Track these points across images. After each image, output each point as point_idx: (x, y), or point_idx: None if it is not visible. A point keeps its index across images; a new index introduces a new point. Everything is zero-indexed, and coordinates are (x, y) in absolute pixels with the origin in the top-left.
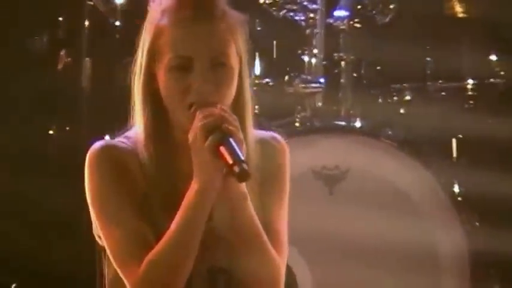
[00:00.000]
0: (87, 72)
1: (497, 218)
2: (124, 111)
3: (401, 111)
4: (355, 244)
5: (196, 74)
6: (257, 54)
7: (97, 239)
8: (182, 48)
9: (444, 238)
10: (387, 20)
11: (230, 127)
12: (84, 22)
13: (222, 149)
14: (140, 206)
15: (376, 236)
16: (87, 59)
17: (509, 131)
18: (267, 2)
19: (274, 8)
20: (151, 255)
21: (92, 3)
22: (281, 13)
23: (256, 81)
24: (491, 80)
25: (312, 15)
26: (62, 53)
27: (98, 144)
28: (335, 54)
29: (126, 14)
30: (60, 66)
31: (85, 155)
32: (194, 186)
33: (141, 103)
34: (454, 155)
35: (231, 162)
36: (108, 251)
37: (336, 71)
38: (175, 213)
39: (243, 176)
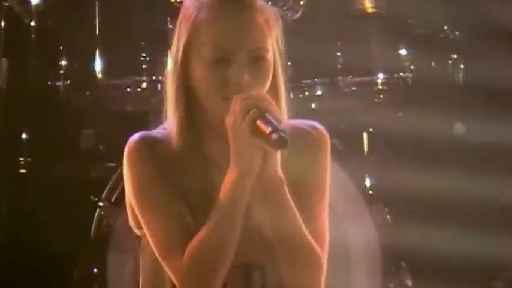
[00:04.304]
0: (3, 72)
1: (408, 212)
2: (40, 111)
3: (313, 106)
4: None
5: (235, 67)
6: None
7: (134, 229)
8: (222, 41)
9: (355, 232)
10: (298, 15)
11: (267, 104)
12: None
13: (259, 122)
14: (179, 196)
15: None
16: (3, 59)
17: (418, 124)
18: (178, 0)
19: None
20: (192, 245)
21: (7, 4)
22: None
23: None
24: (401, 74)
25: None
26: None
27: (135, 137)
28: None
29: (41, 14)
30: None
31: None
32: (232, 172)
33: (174, 95)
34: (365, 149)
35: (268, 130)
36: (151, 243)
37: None
38: (210, 200)
39: (281, 143)
